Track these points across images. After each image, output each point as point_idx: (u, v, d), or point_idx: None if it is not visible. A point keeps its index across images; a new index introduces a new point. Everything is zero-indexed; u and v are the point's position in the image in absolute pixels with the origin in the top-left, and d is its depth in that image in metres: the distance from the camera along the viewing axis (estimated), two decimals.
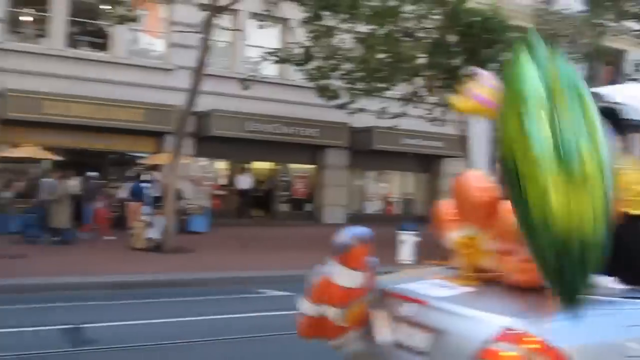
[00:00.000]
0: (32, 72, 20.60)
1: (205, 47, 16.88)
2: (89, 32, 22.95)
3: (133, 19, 16.88)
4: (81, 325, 8.29)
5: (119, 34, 21.98)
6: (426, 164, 27.98)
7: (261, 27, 20.11)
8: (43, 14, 21.91)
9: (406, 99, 20.14)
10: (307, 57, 18.25)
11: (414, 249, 15.24)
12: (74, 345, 7.61)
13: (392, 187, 28.71)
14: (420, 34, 18.20)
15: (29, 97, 20.01)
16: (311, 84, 19.47)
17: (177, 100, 19.14)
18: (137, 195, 18.68)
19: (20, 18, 22.10)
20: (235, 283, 12.82)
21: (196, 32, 17.33)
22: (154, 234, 16.45)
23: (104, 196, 19.29)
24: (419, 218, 25.58)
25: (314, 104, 22.12)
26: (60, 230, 16.72)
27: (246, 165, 25.32)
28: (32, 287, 11.44)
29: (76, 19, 22.24)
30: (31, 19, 22.39)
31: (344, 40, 18.43)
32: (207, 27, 16.89)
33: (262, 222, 24.49)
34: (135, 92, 21.73)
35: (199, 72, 16.83)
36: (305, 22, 18.36)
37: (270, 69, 23.27)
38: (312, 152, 25.66)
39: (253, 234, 20.36)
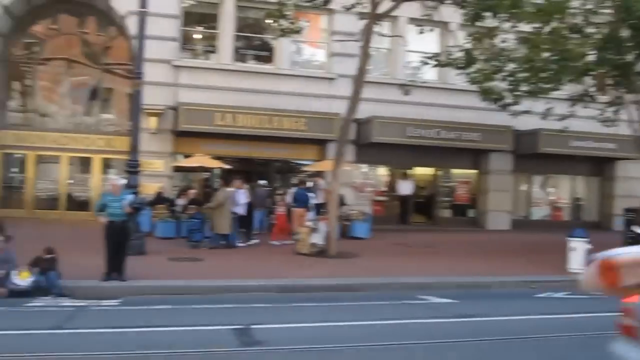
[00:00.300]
0: (202, 86, 21.88)
1: (365, 55, 17.03)
2: (254, 46, 23.96)
3: (296, 31, 17.34)
4: (250, 326, 8.61)
5: (282, 46, 22.75)
6: (598, 167, 26.48)
7: (420, 32, 19.93)
8: (212, 31, 23.18)
9: (575, 99, 19.16)
10: (469, 59, 17.86)
11: (586, 257, 14.44)
12: (244, 345, 7.91)
13: (561, 191, 27.41)
14: (589, 30, 17.23)
15: (200, 109, 21.24)
16: (473, 87, 19.03)
17: (339, 108, 19.48)
18: (301, 201, 19.12)
19: (192, 36, 23.48)
20: (396, 289, 12.77)
21: (356, 41, 17.53)
22: (318, 239, 16.78)
23: (284, 203, 19.73)
24: (591, 224, 24.33)
25: (476, 108, 21.66)
26: (222, 235, 17.47)
27: (407, 171, 25.23)
28: (206, 289, 12.06)
29: (242, 34, 23.33)
30: (201, 36, 23.72)
31: (507, 40, 17.85)
32: (366, 34, 17.04)
33: (424, 228, 24.28)
34: (298, 102, 22.39)
35: (359, 80, 17.00)
36: (466, 24, 18.01)
37: (430, 74, 23.08)
38: (474, 156, 25.12)
39: (414, 240, 20.22)
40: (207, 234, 17.57)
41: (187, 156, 22.01)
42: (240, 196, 18.20)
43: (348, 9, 17.40)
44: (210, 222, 17.48)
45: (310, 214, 18.20)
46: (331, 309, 10.79)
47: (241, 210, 18.21)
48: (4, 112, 22.99)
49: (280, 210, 19.25)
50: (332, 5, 18.02)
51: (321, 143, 22.97)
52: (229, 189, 18.03)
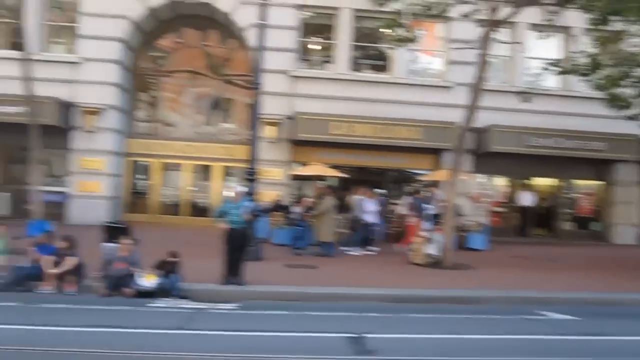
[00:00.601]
0: (319, 96, 22.19)
1: (483, 62, 16.70)
2: (370, 56, 24.01)
3: (412, 40, 17.23)
4: (363, 335, 8.60)
5: (398, 55, 22.68)
6: None
7: (541, 37, 19.29)
8: (329, 41, 23.45)
9: None
10: (594, 65, 17.10)
11: None
12: (356, 353, 7.90)
13: None
14: None
15: (316, 119, 21.56)
16: (597, 94, 18.22)
17: (456, 117, 19.17)
18: (416, 211, 18.95)
19: (309, 47, 23.84)
20: (513, 302, 12.37)
21: (474, 48, 17.22)
22: (432, 249, 16.57)
23: (416, 213, 19.53)
24: None
25: (600, 116, 20.77)
26: (327, 243, 17.54)
27: (526, 182, 24.50)
28: (320, 296, 12.15)
29: (358, 44, 23.45)
30: (318, 47, 24.05)
31: (635, 44, 16.97)
32: (484, 42, 16.71)
33: (544, 240, 23.47)
34: (414, 111, 22.25)
35: (477, 88, 16.68)
36: (590, 28, 17.27)
37: (551, 81, 22.34)
38: (598, 167, 24.04)
39: (534, 253, 19.57)
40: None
41: (303, 164, 22.36)
42: (368, 204, 18.39)
43: (466, 16, 17.13)
44: (315, 230, 17.66)
45: (426, 224, 17.99)
46: (446, 321, 10.58)
47: (371, 218, 18.43)
48: (132, 121, 24.22)
49: (412, 220, 19.04)
50: (449, 13, 17.78)
51: (437, 152, 22.70)
52: (356, 197, 18.37)
